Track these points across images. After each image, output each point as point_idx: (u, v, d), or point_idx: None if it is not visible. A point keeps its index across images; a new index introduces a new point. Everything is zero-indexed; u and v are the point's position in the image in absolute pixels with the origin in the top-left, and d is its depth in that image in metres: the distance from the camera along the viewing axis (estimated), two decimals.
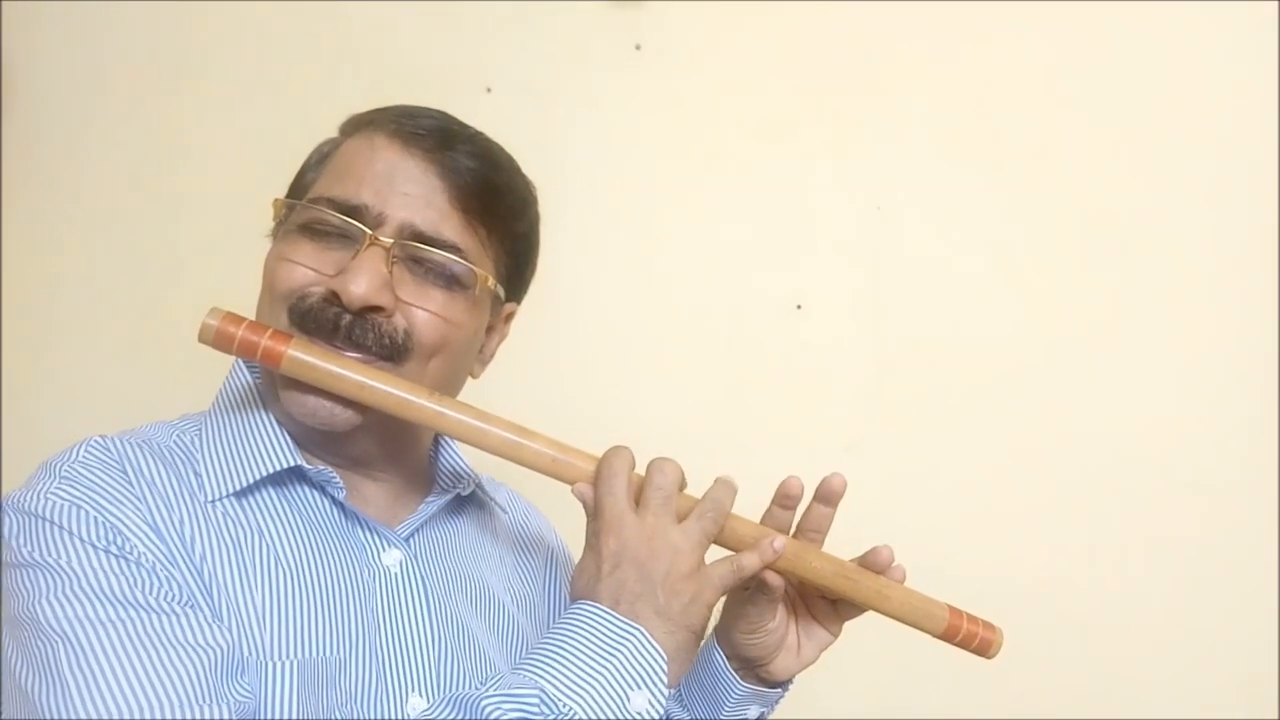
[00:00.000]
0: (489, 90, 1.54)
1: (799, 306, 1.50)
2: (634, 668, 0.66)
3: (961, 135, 1.49)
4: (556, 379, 1.50)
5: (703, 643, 0.87)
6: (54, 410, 1.53)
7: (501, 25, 1.54)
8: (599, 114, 1.53)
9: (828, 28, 1.51)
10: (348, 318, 0.73)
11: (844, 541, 0.81)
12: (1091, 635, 1.42)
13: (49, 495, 0.67)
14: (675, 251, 1.52)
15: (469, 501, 0.88)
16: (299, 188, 0.82)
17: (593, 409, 1.49)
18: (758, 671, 0.84)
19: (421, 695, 0.72)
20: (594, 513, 0.72)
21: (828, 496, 0.80)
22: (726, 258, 1.51)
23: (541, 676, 0.65)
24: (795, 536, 0.80)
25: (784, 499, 0.79)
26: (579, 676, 0.65)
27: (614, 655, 0.66)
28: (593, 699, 0.64)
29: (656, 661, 0.67)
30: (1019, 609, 1.40)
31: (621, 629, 0.67)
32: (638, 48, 1.53)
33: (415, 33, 1.55)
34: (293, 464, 0.74)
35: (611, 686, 0.65)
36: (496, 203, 0.79)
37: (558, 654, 0.66)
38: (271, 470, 0.74)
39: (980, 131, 1.49)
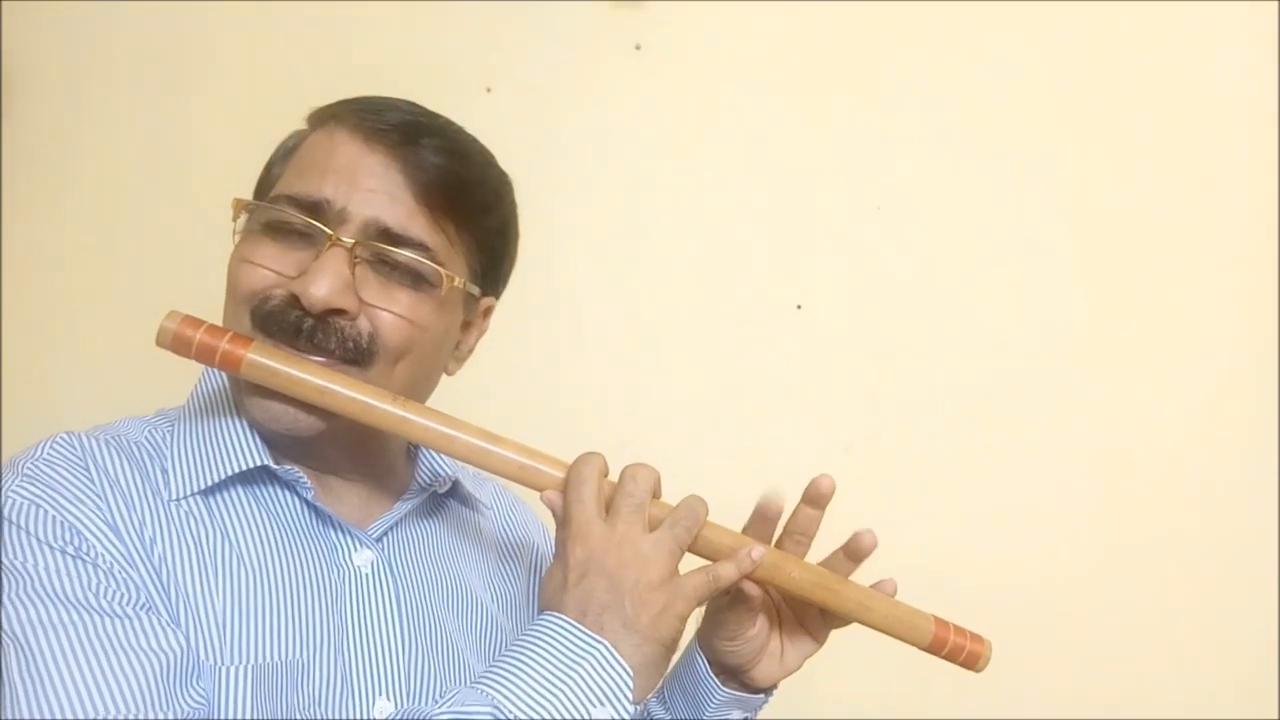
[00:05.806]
0: (489, 90, 1.54)
1: (799, 306, 1.50)
2: (597, 683, 0.64)
3: (961, 135, 1.49)
4: (555, 379, 1.50)
5: (684, 648, 0.84)
6: (54, 410, 1.53)
7: (501, 25, 1.54)
8: (599, 114, 1.53)
9: (827, 28, 1.51)
10: (309, 321, 0.71)
11: (841, 540, 0.80)
12: (1091, 635, 1.42)
13: (10, 493, 0.65)
14: (675, 251, 1.52)
15: (450, 499, 0.86)
16: (265, 182, 0.80)
17: (593, 409, 1.49)
18: (740, 678, 0.82)
19: (390, 698, 0.71)
20: (562, 521, 0.71)
21: (815, 499, 0.77)
22: (726, 258, 1.51)
23: (498, 691, 0.63)
24: (781, 538, 0.78)
25: (761, 520, 0.77)
26: (538, 691, 0.63)
27: (576, 669, 0.64)
28: (551, 715, 0.63)
29: (621, 677, 0.65)
30: (1019, 609, 1.41)
31: (585, 642, 0.65)
32: (638, 48, 1.53)
33: (415, 33, 1.55)
34: (259, 464, 0.73)
35: (572, 702, 0.63)
36: (465, 198, 0.76)
37: (517, 667, 0.65)
38: (237, 469, 0.72)
39: (980, 131, 1.49)
